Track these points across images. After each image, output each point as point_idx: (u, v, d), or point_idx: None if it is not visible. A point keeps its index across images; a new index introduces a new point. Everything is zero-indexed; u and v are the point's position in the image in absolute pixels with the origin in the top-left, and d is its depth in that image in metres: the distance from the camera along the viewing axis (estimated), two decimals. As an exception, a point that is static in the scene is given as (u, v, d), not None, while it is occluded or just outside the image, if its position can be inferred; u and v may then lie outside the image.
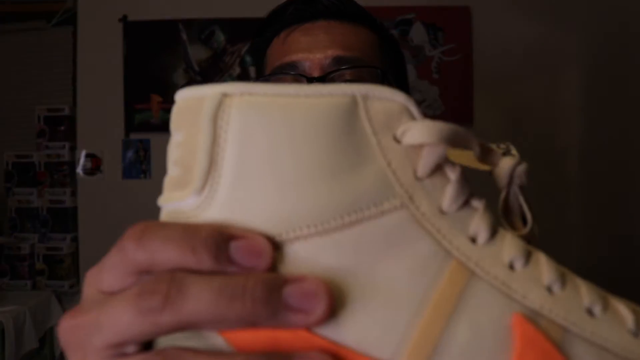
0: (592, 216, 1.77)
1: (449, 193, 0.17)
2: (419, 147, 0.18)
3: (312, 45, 0.52)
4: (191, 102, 0.18)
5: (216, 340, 0.17)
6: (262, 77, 0.57)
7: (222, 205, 0.17)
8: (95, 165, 1.86)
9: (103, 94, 1.86)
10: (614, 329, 0.17)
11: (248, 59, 1.83)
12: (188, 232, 0.17)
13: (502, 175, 0.20)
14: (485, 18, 1.82)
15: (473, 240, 0.17)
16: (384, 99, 0.18)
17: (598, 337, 0.16)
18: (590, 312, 0.17)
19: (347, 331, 0.16)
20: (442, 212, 0.17)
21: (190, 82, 1.84)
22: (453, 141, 0.17)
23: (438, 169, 0.18)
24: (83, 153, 1.86)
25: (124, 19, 1.85)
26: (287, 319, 0.16)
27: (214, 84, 0.18)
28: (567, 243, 1.79)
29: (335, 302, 0.16)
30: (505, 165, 0.20)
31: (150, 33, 1.85)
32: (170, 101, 1.85)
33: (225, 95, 0.17)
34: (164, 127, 1.85)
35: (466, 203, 0.18)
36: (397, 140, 0.18)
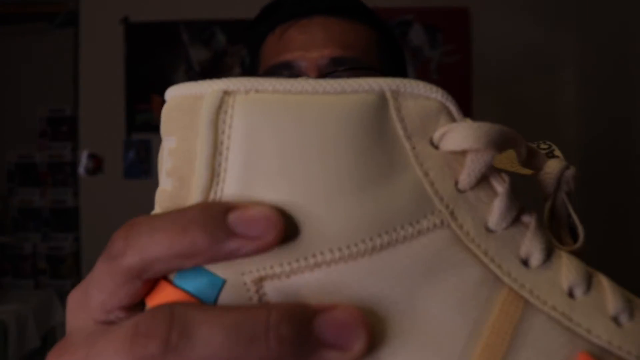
0: (591, 216, 1.78)
1: (496, 208, 0.15)
2: (461, 154, 0.15)
3: (308, 43, 0.50)
4: (185, 101, 0.15)
5: None
6: (253, 75, 0.55)
7: None
8: (97, 165, 1.87)
9: (105, 94, 1.88)
10: None
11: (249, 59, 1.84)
12: (176, 215, 0.14)
13: (549, 181, 0.17)
14: (484, 19, 1.83)
15: (525, 263, 0.15)
16: (417, 96, 0.15)
17: None
18: None
19: None
20: (488, 230, 0.15)
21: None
22: (502, 146, 0.15)
23: (483, 179, 0.15)
24: (84, 153, 1.87)
25: (125, 20, 1.87)
26: (321, 358, 0.13)
27: (212, 79, 0.15)
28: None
29: (372, 337, 0.13)
30: (552, 169, 0.17)
31: (152, 34, 1.87)
32: (172, 102, 1.87)
33: (227, 93, 0.15)
34: (165, 128, 1.86)
35: (516, 219, 0.15)
36: (435, 146, 0.15)
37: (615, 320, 0.14)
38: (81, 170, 1.87)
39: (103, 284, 0.15)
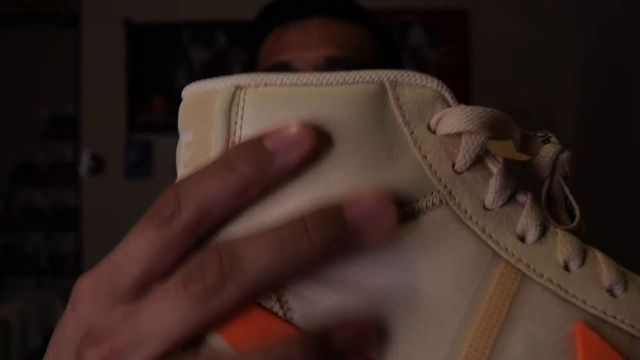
0: (590, 216, 1.78)
1: (492, 187, 0.16)
2: (456, 137, 0.16)
3: (305, 43, 0.50)
4: (200, 97, 0.17)
5: (216, 342, 0.15)
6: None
7: None
8: (98, 165, 1.88)
9: (106, 94, 1.88)
10: None
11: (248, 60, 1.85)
12: (217, 161, 0.15)
13: (544, 165, 0.18)
14: (483, 20, 1.83)
15: (522, 239, 0.15)
16: (414, 85, 0.16)
17: None
18: None
19: (390, 350, 0.14)
20: (485, 208, 0.15)
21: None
22: (494, 128, 0.16)
23: (479, 160, 0.16)
24: (85, 153, 1.88)
25: (126, 21, 1.87)
26: (360, 241, 0.14)
27: (223, 76, 0.16)
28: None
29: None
30: (547, 153, 0.18)
31: (153, 35, 1.88)
32: (172, 102, 1.87)
33: (238, 87, 0.16)
34: (166, 128, 1.87)
35: (511, 198, 0.16)
36: (432, 131, 0.16)
37: (610, 291, 0.15)
38: (82, 170, 1.88)
39: (144, 256, 0.15)
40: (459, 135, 0.16)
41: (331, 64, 0.49)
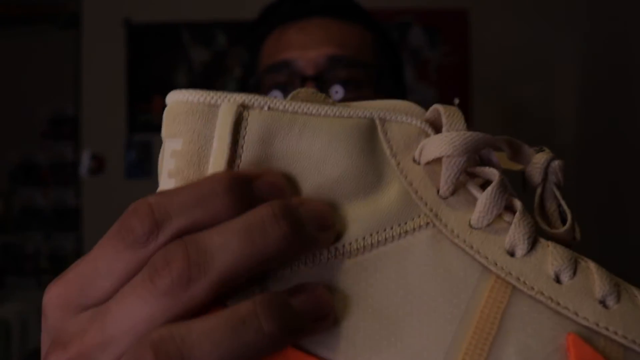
0: (590, 217, 1.79)
1: (477, 210, 0.16)
2: (438, 164, 0.17)
3: (306, 42, 0.51)
4: (195, 107, 0.16)
5: None
6: (253, 75, 0.55)
7: None
8: (98, 165, 1.88)
9: (106, 95, 1.89)
10: None
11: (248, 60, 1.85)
12: (204, 182, 0.15)
13: (536, 172, 0.18)
14: (483, 20, 1.83)
15: (511, 253, 0.16)
16: (401, 122, 0.17)
17: None
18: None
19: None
20: (472, 227, 0.16)
21: (192, 83, 1.86)
22: (472, 149, 0.16)
23: (461, 185, 0.17)
24: (85, 153, 1.88)
25: (126, 21, 1.88)
26: (314, 240, 0.15)
27: (213, 91, 0.17)
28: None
29: (362, 335, 0.15)
30: (539, 160, 0.18)
31: (153, 35, 1.88)
32: (173, 102, 1.88)
33: (244, 106, 0.16)
34: (166, 128, 1.87)
35: (499, 216, 0.16)
36: (417, 162, 0.17)
37: (602, 302, 0.15)
38: (83, 170, 1.88)
39: (116, 273, 0.14)
40: (440, 161, 0.17)
41: (332, 63, 0.50)
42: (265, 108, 0.16)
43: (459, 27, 1.82)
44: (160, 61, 1.88)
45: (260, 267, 0.14)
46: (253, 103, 0.16)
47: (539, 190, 0.19)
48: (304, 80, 0.49)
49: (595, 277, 0.16)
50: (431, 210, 0.16)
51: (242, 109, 0.16)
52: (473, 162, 0.18)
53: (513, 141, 0.19)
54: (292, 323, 0.14)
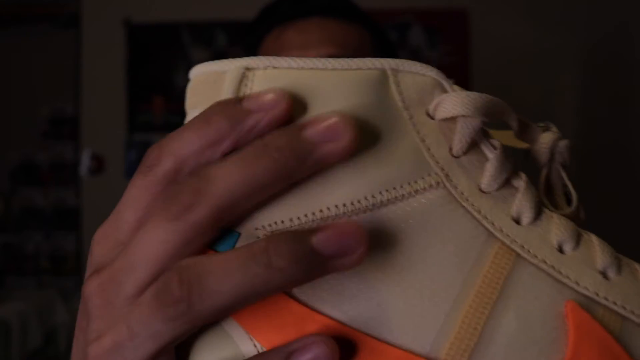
0: (590, 217, 1.78)
1: (488, 171, 0.16)
2: (453, 122, 0.16)
3: (305, 42, 0.51)
4: (209, 76, 0.17)
5: (244, 344, 0.15)
6: None
7: None
8: (98, 165, 1.89)
9: (106, 95, 1.89)
10: None
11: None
12: (199, 116, 0.16)
13: (543, 152, 0.18)
14: (483, 20, 1.83)
15: (517, 221, 0.16)
16: (414, 73, 0.17)
17: None
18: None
19: (383, 324, 0.15)
20: (481, 191, 0.16)
21: (192, 83, 1.86)
22: (489, 113, 0.16)
23: (475, 145, 0.16)
24: (85, 153, 1.88)
25: (126, 21, 1.88)
26: (318, 156, 0.15)
27: (233, 58, 0.17)
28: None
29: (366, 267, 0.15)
30: (546, 140, 0.18)
31: (153, 35, 1.88)
32: (172, 102, 1.88)
33: (248, 69, 0.16)
34: (166, 128, 1.87)
35: (507, 181, 0.16)
36: (431, 116, 0.17)
37: (603, 274, 0.16)
38: (82, 170, 1.88)
39: (139, 201, 0.16)
40: (455, 120, 0.16)
41: None
42: (270, 67, 0.16)
43: (459, 27, 1.82)
44: (160, 61, 1.88)
45: (260, 196, 0.15)
46: (258, 64, 0.16)
47: (544, 171, 0.18)
48: None
49: (597, 249, 0.16)
50: (442, 169, 0.16)
51: (246, 71, 0.16)
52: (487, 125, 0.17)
53: (521, 118, 0.18)
54: (307, 261, 0.14)
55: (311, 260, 0.14)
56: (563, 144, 0.19)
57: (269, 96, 0.15)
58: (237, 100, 0.16)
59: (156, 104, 1.87)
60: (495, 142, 0.17)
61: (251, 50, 0.58)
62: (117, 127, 1.88)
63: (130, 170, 1.87)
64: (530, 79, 1.84)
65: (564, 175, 0.18)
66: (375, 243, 0.15)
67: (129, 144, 1.88)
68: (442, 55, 1.82)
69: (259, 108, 0.15)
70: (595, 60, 1.79)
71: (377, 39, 0.56)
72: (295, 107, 0.16)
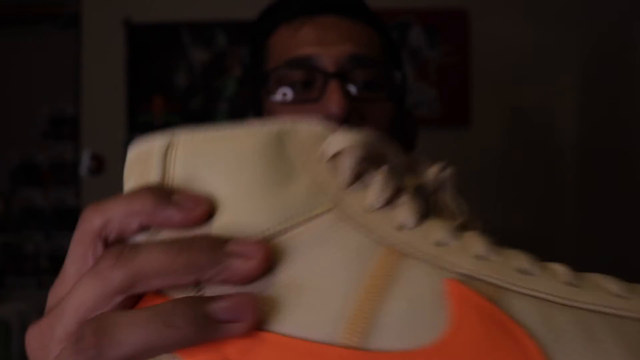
0: (589, 217, 1.79)
1: (372, 194, 0.20)
2: (339, 158, 0.20)
3: (325, 39, 0.50)
4: (141, 151, 0.22)
5: None
6: (258, 69, 0.54)
7: (169, 231, 0.20)
8: (98, 165, 1.89)
9: (106, 95, 1.89)
10: (549, 282, 0.17)
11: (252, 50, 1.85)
12: (134, 191, 0.20)
13: (431, 180, 0.22)
14: (483, 20, 1.83)
15: (401, 228, 0.19)
16: (306, 128, 0.21)
17: (533, 291, 0.17)
18: (524, 272, 0.18)
19: (287, 323, 0.17)
20: (368, 210, 0.19)
21: (192, 83, 1.86)
22: (368, 145, 0.20)
23: (361, 173, 0.20)
24: (85, 153, 1.88)
25: (126, 21, 1.88)
26: (231, 265, 0.18)
27: (157, 134, 0.21)
28: (564, 243, 1.81)
29: (274, 300, 0.18)
30: (433, 170, 0.22)
31: (153, 35, 1.88)
32: (172, 102, 1.88)
33: (172, 143, 0.21)
34: (165, 128, 1.86)
35: (392, 199, 0.20)
36: (322, 159, 0.20)
37: (481, 257, 0.18)
38: (82, 170, 1.88)
39: (75, 255, 0.20)
40: (340, 154, 0.20)
41: (354, 62, 0.50)
42: (190, 137, 0.20)
43: (459, 27, 1.82)
44: (160, 61, 1.88)
45: (175, 275, 0.18)
46: (180, 135, 0.21)
47: (434, 196, 0.22)
48: (327, 78, 0.48)
49: (476, 240, 0.19)
50: (334, 198, 0.19)
51: (171, 141, 0.21)
52: (370, 157, 0.21)
53: (413, 156, 0.22)
54: (202, 323, 0.17)
55: (206, 323, 0.17)
56: (447, 171, 0.22)
57: (191, 201, 0.19)
58: (170, 191, 0.19)
59: (156, 104, 1.87)
60: (379, 171, 0.20)
61: (257, 44, 0.57)
62: (117, 127, 1.88)
63: (130, 170, 1.87)
64: (530, 79, 1.84)
65: (454, 194, 0.22)
66: (281, 258, 0.18)
67: (129, 144, 1.88)
68: (442, 55, 1.83)
69: (180, 205, 0.19)
70: (595, 60, 1.79)
71: (386, 41, 0.56)
72: (210, 183, 0.20)
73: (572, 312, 0.16)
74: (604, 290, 0.17)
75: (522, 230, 1.81)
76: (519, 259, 0.18)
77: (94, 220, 0.20)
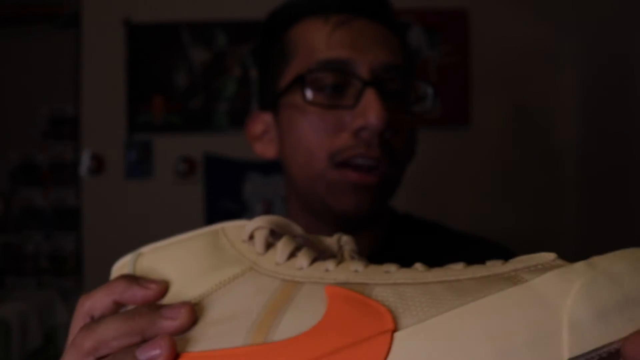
0: (589, 217, 1.79)
1: (278, 254, 0.28)
2: (255, 236, 0.29)
3: (360, 44, 0.49)
4: (121, 263, 0.31)
5: None
6: (310, 70, 0.49)
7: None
8: (98, 165, 1.89)
9: (106, 95, 1.89)
10: (407, 273, 0.24)
11: (249, 60, 1.85)
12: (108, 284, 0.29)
13: (332, 248, 0.30)
14: (483, 20, 1.84)
15: (300, 268, 0.27)
16: (232, 225, 0.30)
17: (392, 282, 0.23)
18: (387, 272, 0.24)
19: (207, 343, 0.25)
20: (278, 264, 0.27)
21: (192, 83, 1.86)
22: (274, 224, 0.29)
23: (270, 245, 0.29)
24: (85, 153, 1.88)
25: (126, 21, 1.88)
26: (162, 325, 0.25)
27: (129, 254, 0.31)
28: (564, 243, 1.81)
29: (195, 314, 0.26)
30: (333, 240, 0.31)
31: (153, 35, 1.88)
32: (172, 102, 1.88)
33: (140, 254, 0.30)
34: (166, 128, 1.87)
35: (293, 254, 0.28)
36: (245, 241, 0.29)
37: (355, 271, 0.25)
38: (82, 170, 1.89)
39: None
40: (254, 233, 0.29)
41: (387, 71, 0.49)
42: (153, 249, 0.30)
43: (459, 27, 1.83)
44: (160, 61, 1.88)
45: (127, 337, 0.26)
46: (146, 249, 0.31)
47: (337, 258, 0.28)
48: (364, 85, 0.47)
49: (355, 264, 0.26)
50: (253, 262, 0.28)
51: (140, 255, 0.30)
52: (277, 231, 0.29)
53: (310, 234, 0.31)
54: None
55: (157, 319, 0.26)
56: (345, 238, 0.31)
57: (151, 284, 0.28)
58: (137, 278, 0.29)
59: (156, 104, 1.87)
60: (282, 239, 0.28)
61: (275, 34, 0.55)
62: (117, 127, 1.88)
63: (131, 170, 1.87)
64: (530, 79, 1.85)
65: (349, 252, 0.30)
66: (214, 302, 0.26)
67: (129, 144, 1.88)
68: (442, 55, 1.83)
69: (142, 286, 0.28)
70: (595, 59, 1.79)
71: (405, 47, 0.55)
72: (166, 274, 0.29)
73: (421, 287, 0.22)
74: (448, 268, 0.23)
75: (522, 230, 1.81)
76: (387, 266, 0.25)
77: (85, 303, 0.28)
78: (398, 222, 0.58)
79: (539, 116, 1.85)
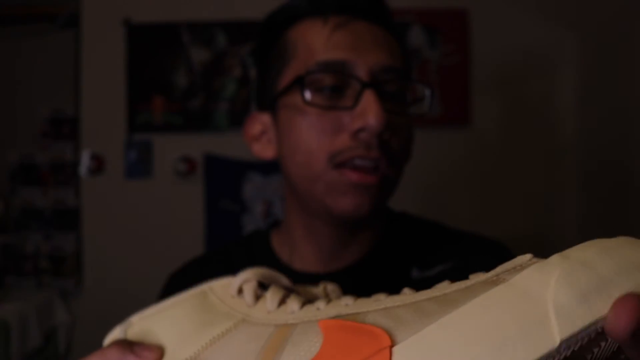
0: (589, 217, 1.79)
1: (267, 303, 0.30)
2: (243, 289, 0.31)
3: (360, 45, 0.49)
4: (114, 334, 0.33)
5: None
6: (309, 71, 0.49)
7: None
8: (98, 165, 1.89)
9: (106, 95, 1.89)
10: (398, 297, 0.25)
11: (249, 60, 1.85)
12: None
13: (319, 296, 0.32)
14: (483, 20, 1.83)
15: (292, 313, 0.28)
16: (218, 283, 0.33)
17: (383, 307, 0.24)
18: (377, 300, 0.26)
19: None
20: (269, 312, 0.29)
21: (192, 83, 1.86)
22: (260, 276, 0.32)
23: (260, 296, 0.31)
24: (85, 153, 1.88)
25: (126, 21, 1.88)
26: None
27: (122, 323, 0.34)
28: (564, 243, 1.81)
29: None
30: (319, 288, 0.33)
31: (153, 35, 1.88)
32: (172, 102, 1.88)
33: (130, 322, 0.33)
34: (165, 128, 1.87)
35: (282, 302, 0.30)
36: (234, 295, 0.32)
37: (347, 305, 0.26)
38: (82, 170, 1.88)
39: None
40: (244, 288, 0.32)
41: (386, 73, 0.49)
42: (142, 317, 0.33)
43: (459, 27, 1.83)
44: (160, 61, 1.88)
45: None
46: (136, 318, 0.33)
47: (325, 300, 0.30)
48: (363, 86, 0.47)
49: (345, 299, 0.27)
50: (244, 314, 0.30)
51: (130, 323, 0.33)
52: (264, 282, 0.32)
53: (298, 285, 0.33)
54: None
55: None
56: (330, 287, 0.33)
57: (145, 349, 0.30)
58: (132, 343, 0.30)
59: (156, 104, 1.87)
60: (270, 288, 0.31)
61: (272, 34, 0.55)
62: (117, 127, 1.88)
63: (130, 171, 1.87)
64: (530, 79, 1.85)
65: (337, 295, 0.32)
66: (209, 357, 0.28)
67: (129, 144, 1.88)
68: (442, 55, 1.83)
69: (137, 353, 0.30)
70: (595, 59, 1.79)
71: (403, 49, 0.55)
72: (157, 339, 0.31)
73: (411, 306, 0.23)
74: (434, 288, 0.24)
75: (522, 229, 1.81)
76: (377, 296, 0.26)
77: None
78: (394, 220, 0.58)
79: (539, 116, 1.85)
